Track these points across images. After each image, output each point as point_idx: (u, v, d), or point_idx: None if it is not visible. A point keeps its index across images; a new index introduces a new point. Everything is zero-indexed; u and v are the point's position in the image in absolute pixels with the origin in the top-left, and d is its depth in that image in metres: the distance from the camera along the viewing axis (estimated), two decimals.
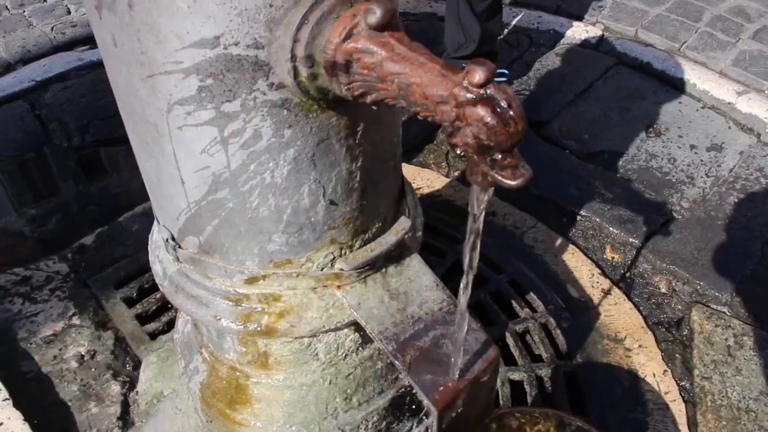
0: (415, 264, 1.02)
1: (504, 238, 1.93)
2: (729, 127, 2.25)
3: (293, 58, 0.71)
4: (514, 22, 2.70)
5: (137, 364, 1.60)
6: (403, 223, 1.01)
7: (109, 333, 1.65)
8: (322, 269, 0.95)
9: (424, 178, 2.15)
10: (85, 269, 1.80)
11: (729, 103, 2.27)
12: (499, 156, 0.63)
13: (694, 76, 2.37)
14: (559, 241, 1.93)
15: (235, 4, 0.68)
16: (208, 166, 0.82)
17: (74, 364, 1.58)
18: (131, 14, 0.72)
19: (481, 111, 0.60)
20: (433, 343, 0.97)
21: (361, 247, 0.97)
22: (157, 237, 1.07)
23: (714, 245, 1.87)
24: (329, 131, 0.82)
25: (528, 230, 1.96)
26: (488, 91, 0.60)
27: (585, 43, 2.61)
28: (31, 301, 1.71)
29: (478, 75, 0.59)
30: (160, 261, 1.07)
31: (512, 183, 0.62)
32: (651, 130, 2.27)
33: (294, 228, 0.89)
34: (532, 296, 1.78)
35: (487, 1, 2.06)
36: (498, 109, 0.59)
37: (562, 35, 2.63)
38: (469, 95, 0.61)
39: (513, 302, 1.77)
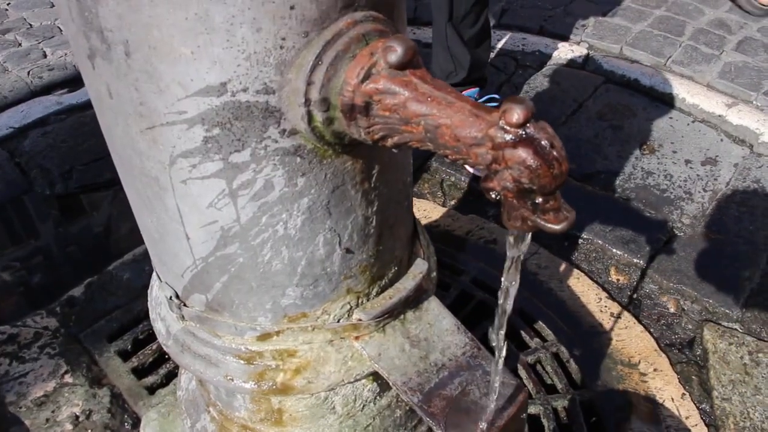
0: (433, 307, 0.97)
1: None
2: (721, 140, 2.24)
3: (307, 102, 0.66)
4: (499, 45, 2.69)
5: (136, 422, 1.51)
6: (420, 266, 0.96)
7: (104, 390, 1.57)
8: (339, 321, 0.90)
9: (421, 209, 2.10)
10: (76, 323, 1.72)
11: (719, 116, 2.26)
12: (541, 199, 0.58)
13: (682, 90, 2.37)
14: (563, 266, 1.89)
15: (243, 47, 0.63)
16: (216, 220, 0.77)
17: (69, 427, 1.49)
18: (128, 63, 0.66)
19: (523, 153, 0.55)
20: (460, 391, 0.92)
21: (378, 294, 0.92)
22: (158, 293, 1.01)
23: (719, 261, 1.84)
24: (344, 177, 0.77)
25: (531, 257, 1.92)
26: (528, 131, 0.56)
27: (571, 63, 2.60)
28: (20, 361, 1.63)
29: (517, 114, 0.55)
30: (163, 319, 1.01)
31: (556, 227, 0.58)
32: (645, 147, 2.26)
33: (309, 280, 0.84)
34: (541, 325, 1.73)
35: (476, 28, 2.04)
36: (540, 150, 0.55)
37: (548, 56, 2.62)
38: (507, 136, 0.56)
39: (522, 332, 1.71)
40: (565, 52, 2.62)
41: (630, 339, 1.71)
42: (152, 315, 1.03)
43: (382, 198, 0.84)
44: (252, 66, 0.65)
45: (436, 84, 0.63)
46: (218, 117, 0.68)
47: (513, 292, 0.72)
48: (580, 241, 1.97)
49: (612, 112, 2.41)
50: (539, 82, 2.52)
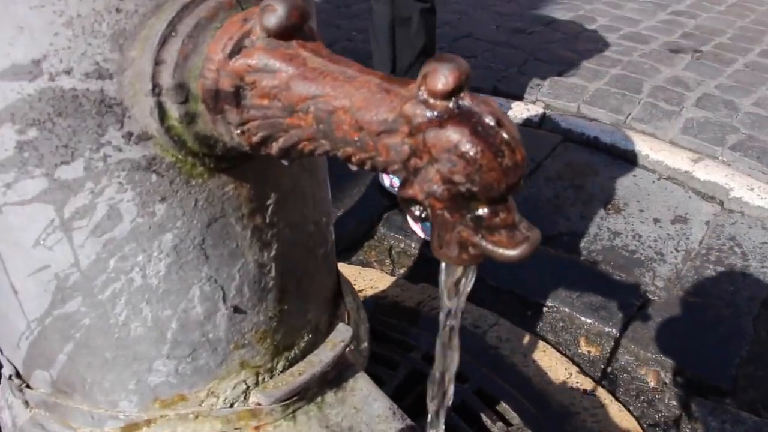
0: (361, 387, 0.75)
1: (464, 340, 1.65)
2: (690, 197, 2.10)
3: (156, 89, 0.47)
4: None
5: None
6: (341, 333, 0.74)
7: None
8: (231, 405, 0.67)
9: (366, 279, 1.89)
10: None
11: (686, 172, 2.14)
12: (486, 210, 0.38)
13: (645, 147, 2.25)
14: (526, 339, 1.68)
15: (62, 6, 0.44)
16: (48, 264, 0.55)
17: None
18: None
19: (454, 134, 0.36)
20: None
21: (285, 369, 0.70)
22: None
23: (700, 327, 1.66)
24: (224, 206, 0.56)
25: (490, 329, 1.71)
26: (462, 103, 0.37)
27: (528, 122, 2.48)
28: None
29: (444, 78, 0.36)
30: (10, 407, 0.76)
31: (512, 253, 0.38)
32: (609, 206, 2.11)
33: (185, 350, 0.62)
34: (504, 406, 1.50)
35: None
36: (481, 130, 0.36)
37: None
38: (430, 112, 0.37)
39: (482, 415, 1.48)
40: (520, 111, 2.50)
41: (607, 419, 1.50)
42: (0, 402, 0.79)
43: (284, 240, 0.63)
44: (76, 36, 0.45)
45: (334, 58, 0.45)
46: (33, 112, 0.48)
47: (453, 369, 0.52)
48: (545, 309, 1.77)
49: (572, 171, 2.27)
50: None
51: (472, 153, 0.35)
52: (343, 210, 2.07)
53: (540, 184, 2.21)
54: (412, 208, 0.41)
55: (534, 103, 2.58)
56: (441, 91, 0.36)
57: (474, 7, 3.49)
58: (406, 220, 2.00)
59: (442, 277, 0.44)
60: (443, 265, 0.44)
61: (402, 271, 1.93)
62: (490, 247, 0.38)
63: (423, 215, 0.41)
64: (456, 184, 0.37)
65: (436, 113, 0.37)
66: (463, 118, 0.36)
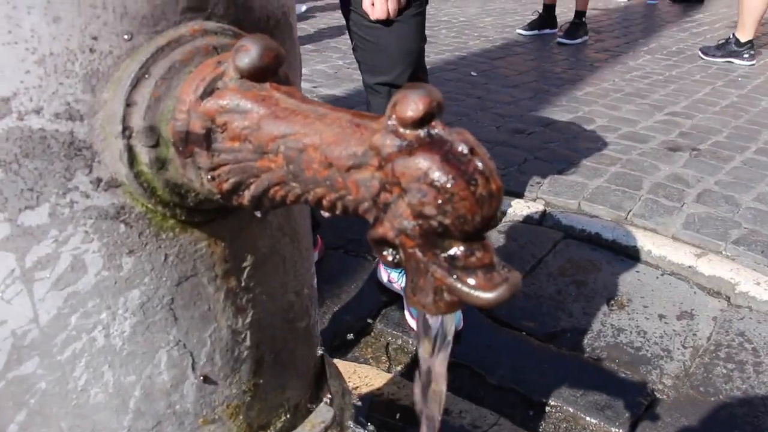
0: None
1: None
2: (695, 293, 2.06)
3: (127, 131, 0.46)
4: None
5: None
6: (322, 414, 0.69)
7: None
8: None
9: (362, 376, 1.82)
10: None
11: (689, 267, 2.11)
12: (461, 248, 0.36)
13: (647, 242, 2.23)
14: None
15: (34, 44, 0.44)
16: (5, 320, 0.52)
17: None
18: None
19: (423, 162, 0.34)
20: None
21: None
22: None
23: (714, 427, 1.57)
24: (196, 264, 0.54)
25: (490, 429, 1.62)
26: (433, 131, 0.35)
27: (528, 219, 2.47)
28: None
29: (414, 104, 0.34)
30: None
31: (489, 296, 0.35)
32: (613, 302, 2.06)
33: (148, 422, 0.57)
34: None
35: None
36: (451, 157, 0.34)
37: (503, 213, 2.50)
38: (399, 141, 0.35)
39: None
40: (520, 208, 2.50)
41: None
42: None
43: (261, 308, 0.60)
44: (48, 75, 0.45)
45: (307, 99, 0.43)
46: (0, 152, 0.46)
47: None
48: (548, 408, 1.69)
49: (574, 267, 2.24)
50: (494, 238, 2.36)
51: (442, 181, 0.33)
52: (339, 305, 2.02)
53: (541, 281, 2.17)
54: (385, 253, 0.39)
55: (534, 200, 2.58)
56: (410, 118, 0.34)
57: (474, 109, 3.58)
58: (404, 316, 1.95)
59: (420, 328, 0.41)
60: (419, 316, 0.40)
61: (399, 368, 1.87)
62: (465, 289, 0.35)
63: (396, 260, 0.38)
64: (427, 218, 0.34)
65: (405, 142, 0.35)
66: (434, 146, 0.34)
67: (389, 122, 0.36)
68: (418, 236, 0.35)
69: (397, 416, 1.68)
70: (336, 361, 1.80)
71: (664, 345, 1.86)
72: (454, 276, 0.36)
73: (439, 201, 0.33)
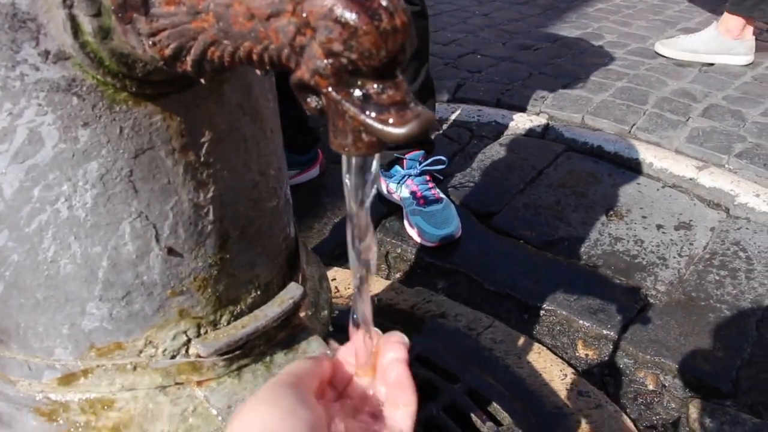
0: (314, 349, 0.73)
1: (457, 342, 1.63)
2: (694, 204, 2.06)
3: (67, 1, 0.47)
4: (453, 117, 2.55)
5: None
6: (291, 291, 0.73)
7: None
8: (172, 357, 0.65)
9: None
10: None
11: (691, 179, 2.10)
12: (374, 87, 0.37)
13: (649, 155, 2.22)
14: (522, 341, 1.64)
15: None
16: None
17: None
18: None
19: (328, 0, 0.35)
20: None
21: (229, 323, 0.68)
22: None
23: (702, 329, 1.61)
24: (152, 137, 0.56)
25: (484, 330, 1.67)
26: None
27: (530, 132, 2.46)
28: None
29: None
30: None
31: (399, 131, 0.36)
32: (611, 213, 2.07)
33: (118, 291, 0.60)
34: (495, 407, 1.46)
35: (416, 85, 1.90)
36: None
37: (505, 126, 2.49)
38: None
39: (473, 416, 1.44)
40: (523, 122, 2.49)
41: (603, 421, 1.44)
42: None
43: (223, 184, 0.62)
44: None
45: None
46: None
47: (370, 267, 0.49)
48: (542, 312, 1.73)
49: (574, 179, 2.24)
50: (495, 151, 2.36)
51: (346, 16, 0.34)
52: (340, 217, 2.06)
53: (541, 192, 2.18)
54: (309, 99, 0.40)
55: (537, 114, 2.56)
56: None
57: (482, 27, 3.51)
58: (403, 226, 1.98)
59: (345, 176, 0.43)
60: (344, 160, 0.42)
61: (398, 275, 1.91)
62: (377, 125, 0.36)
63: (318, 105, 0.40)
64: (336, 55, 0.35)
65: None
66: None
67: None
68: (330, 75, 0.37)
69: (394, 319, 1.73)
70: (336, 269, 1.86)
71: (660, 253, 1.88)
72: (368, 113, 0.37)
73: (345, 36, 0.34)
